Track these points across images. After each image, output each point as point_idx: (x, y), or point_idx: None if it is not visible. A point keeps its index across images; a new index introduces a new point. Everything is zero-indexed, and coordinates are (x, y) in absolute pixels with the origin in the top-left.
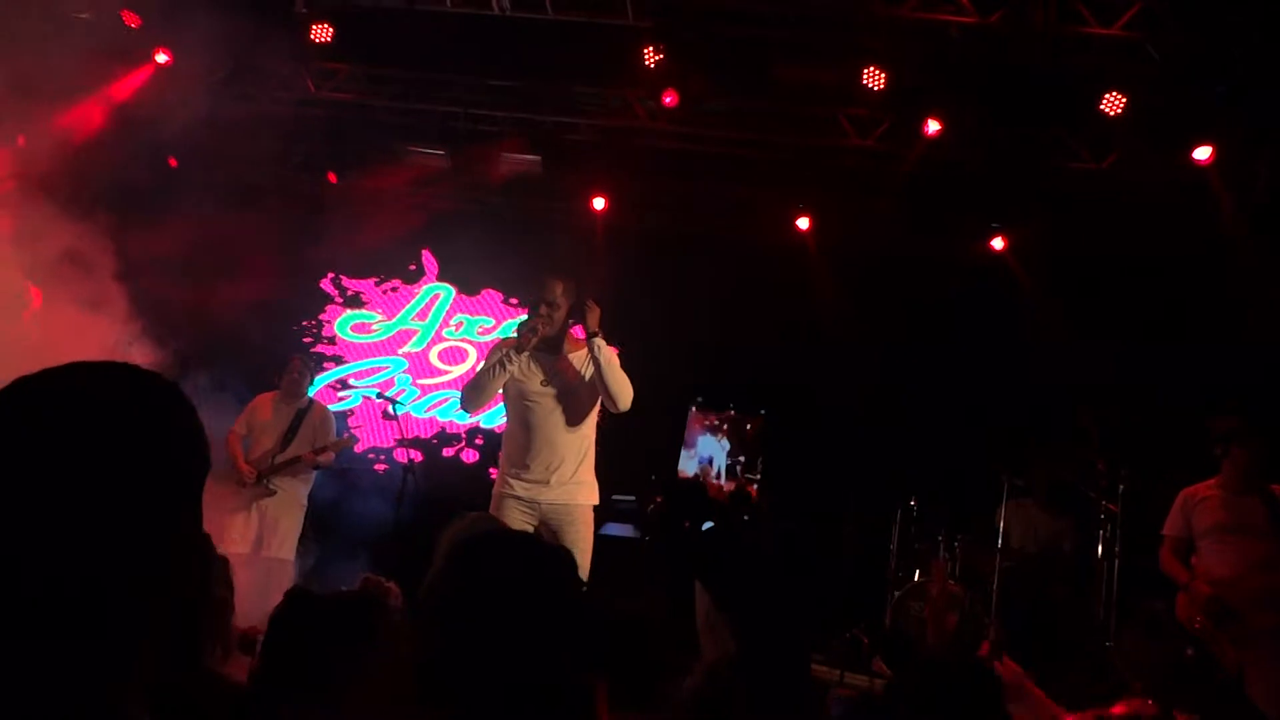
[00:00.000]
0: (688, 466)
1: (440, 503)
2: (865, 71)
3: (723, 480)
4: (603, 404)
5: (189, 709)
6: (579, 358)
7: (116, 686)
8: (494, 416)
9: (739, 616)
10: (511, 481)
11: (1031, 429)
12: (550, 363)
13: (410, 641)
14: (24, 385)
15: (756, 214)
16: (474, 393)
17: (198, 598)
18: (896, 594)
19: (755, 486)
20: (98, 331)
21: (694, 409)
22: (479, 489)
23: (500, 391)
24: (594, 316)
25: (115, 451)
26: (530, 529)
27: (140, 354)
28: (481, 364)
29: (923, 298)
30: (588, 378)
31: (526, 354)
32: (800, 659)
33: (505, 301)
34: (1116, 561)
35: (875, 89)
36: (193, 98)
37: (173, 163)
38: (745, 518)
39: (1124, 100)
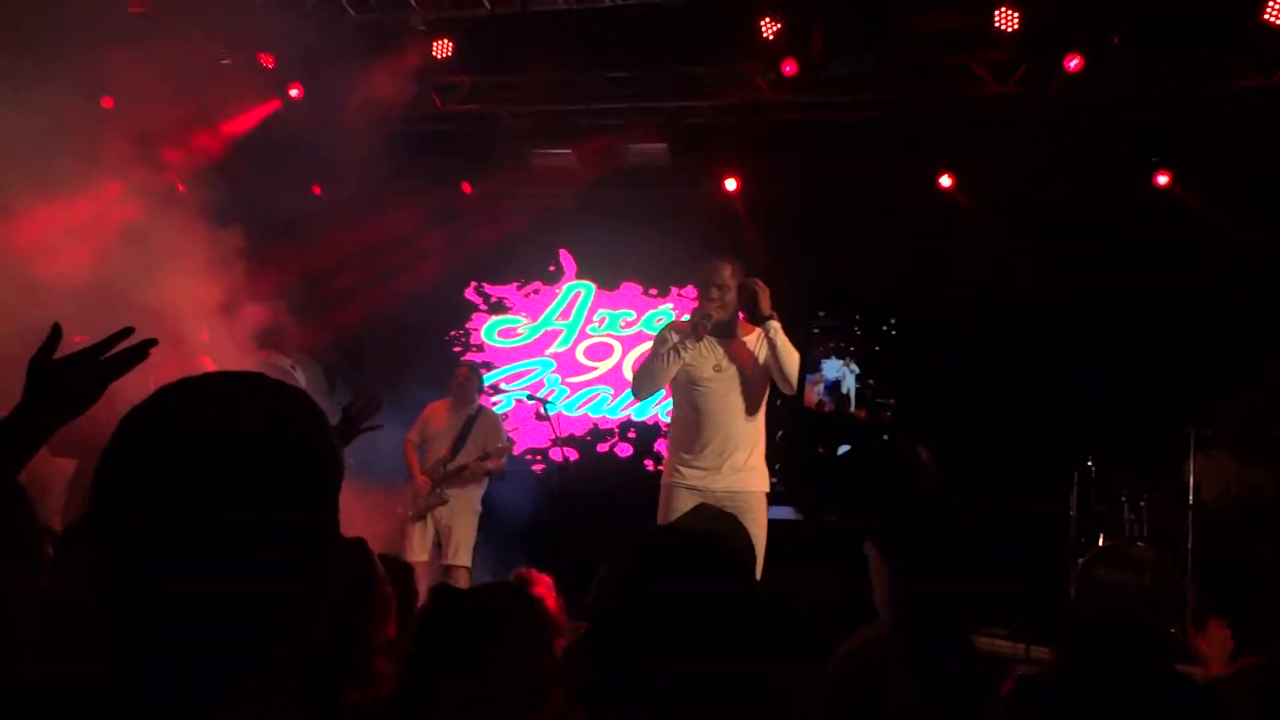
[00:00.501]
0: (813, 392)
1: (598, 497)
2: (997, 13)
3: (852, 404)
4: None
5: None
6: (751, 340)
7: (248, 691)
8: (645, 409)
9: (895, 561)
10: (682, 470)
11: (1218, 374)
12: (722, 347)
13: (560, 633)
14: (167, 393)
15: (895, 177)
16: (647, 380)
17: (332, 606)
18: (1080, 560)
19: (888, 413)
20: (259, 357)
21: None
22: (635, 483)
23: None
24: (765, 297)
25: (253, 457)
26: None
27: (302, 375)
28: (651, 350)
29: (1084, 243)
30: (761, 360)
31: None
32: (964, 626)
33: (645, 293)
34: None
35: (1009, 30)
36: (327, 126)
37: (316, 190)
38: (883, 438)
39: None
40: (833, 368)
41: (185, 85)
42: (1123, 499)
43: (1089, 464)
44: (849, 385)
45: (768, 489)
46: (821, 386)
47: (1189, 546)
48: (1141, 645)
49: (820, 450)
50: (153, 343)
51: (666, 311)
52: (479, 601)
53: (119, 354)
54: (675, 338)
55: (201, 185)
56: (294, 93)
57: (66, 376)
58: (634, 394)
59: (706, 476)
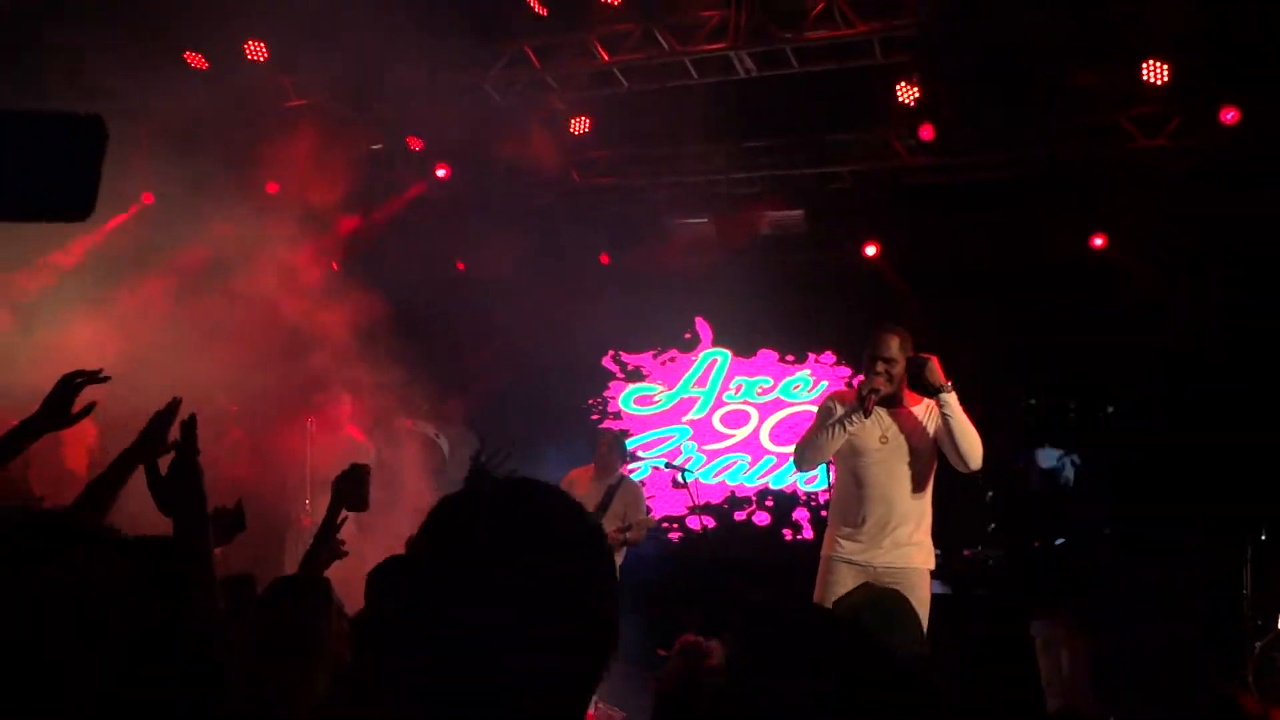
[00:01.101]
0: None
1: (735, 565)
2: (1144, 66)
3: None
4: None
5: None
6: (920, 410)
7: None
8: (782, 477)
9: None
10: (843, 543)
11: None
12: (889, 417)
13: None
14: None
15: (1040, 237)
16: (811, 452)
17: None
18: (1258, 645)
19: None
20: (405, 425)
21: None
22: (773, 551)
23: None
24: (937, 367)
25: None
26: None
27: (446, 443)
28: (816, 422)
29: (1252, 295)
30: (931, 432)
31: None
32: None
33: (782, 359)
34: None
35: (1158, 83)
36: (472, 203)
37: (460, 266)
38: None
39: None
40: (1048, 456)
41: (341, 170)
42: None
43: (1263, 535)
44: (1068, 476)
45: (933, 566)
46: (1037, 475)
47: None
48: None
49: (1036, 543)
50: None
51: (804, 378)
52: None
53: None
54: (840, 409)
55: (355, 263)
56: (440, 173)
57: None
58: (796, 465)
59: (867, 551)
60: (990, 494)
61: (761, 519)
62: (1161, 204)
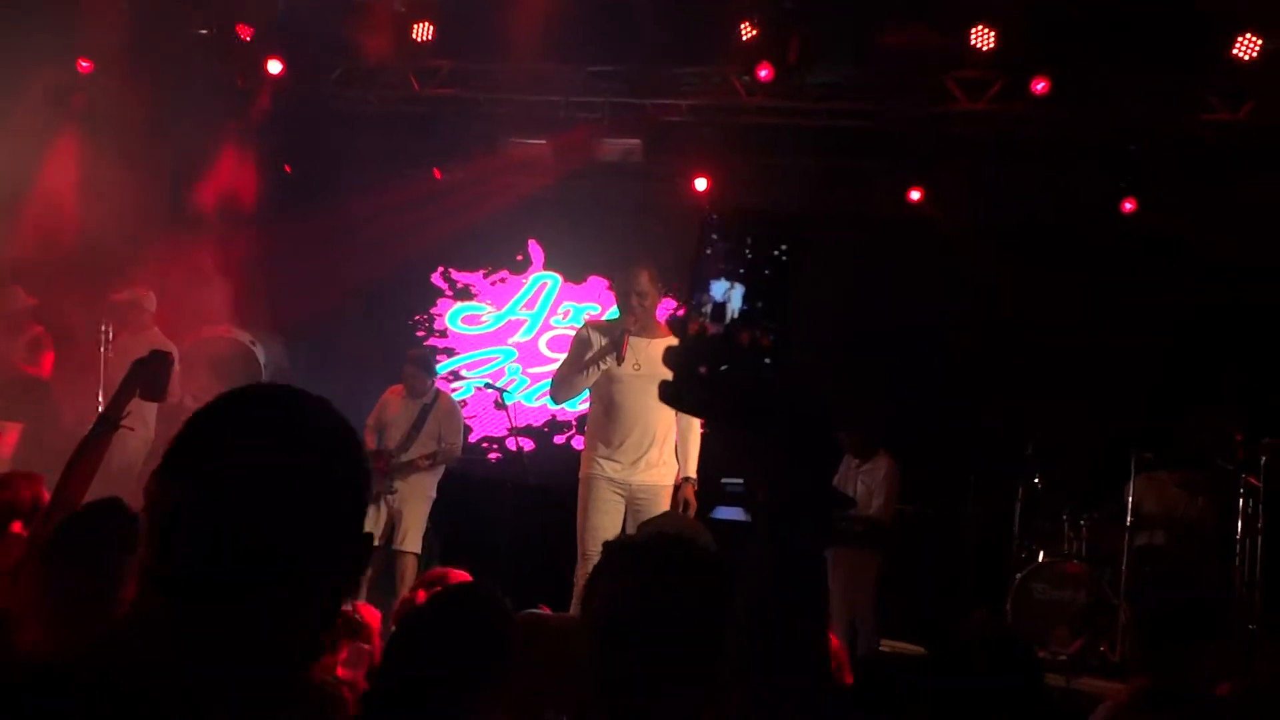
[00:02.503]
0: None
1: (553, 490)
2: (973, 31)
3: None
4: None
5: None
6: (669, 342)
7: (267, 654)
8: None
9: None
10: (601, 463)
11: (1164, 398)
12: (641, 346)
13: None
14: (243, 394)
15: (866, 188)
16: (566, 388)
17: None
18: (1018, 576)
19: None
20: (219, 331)
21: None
22: None
23: None
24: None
25: (306, 452)
26: (619, 508)
27: (263, 352)
28: (571, 356)
29: (1047, 264)
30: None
31: (607, 331)
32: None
33: (611, 288)
34: (1259, 538)
35: (984, 49)
36: (302, 103)
37: (288, 169)
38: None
39: (1259, 43)
40: (719, 289)
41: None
42: (1064, 517)
43: (1035, 480)
44: (734, 307)
45: (673, 483)
46: (709, 308)
47: (1124, 566)
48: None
49: (703, 370)
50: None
51: None
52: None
53: None
54: (594, 338)
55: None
56: (273, 66)
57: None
58: (553, 399)
59: (623, 471)
60: None
61: (579, 443)
62: (978, 166)
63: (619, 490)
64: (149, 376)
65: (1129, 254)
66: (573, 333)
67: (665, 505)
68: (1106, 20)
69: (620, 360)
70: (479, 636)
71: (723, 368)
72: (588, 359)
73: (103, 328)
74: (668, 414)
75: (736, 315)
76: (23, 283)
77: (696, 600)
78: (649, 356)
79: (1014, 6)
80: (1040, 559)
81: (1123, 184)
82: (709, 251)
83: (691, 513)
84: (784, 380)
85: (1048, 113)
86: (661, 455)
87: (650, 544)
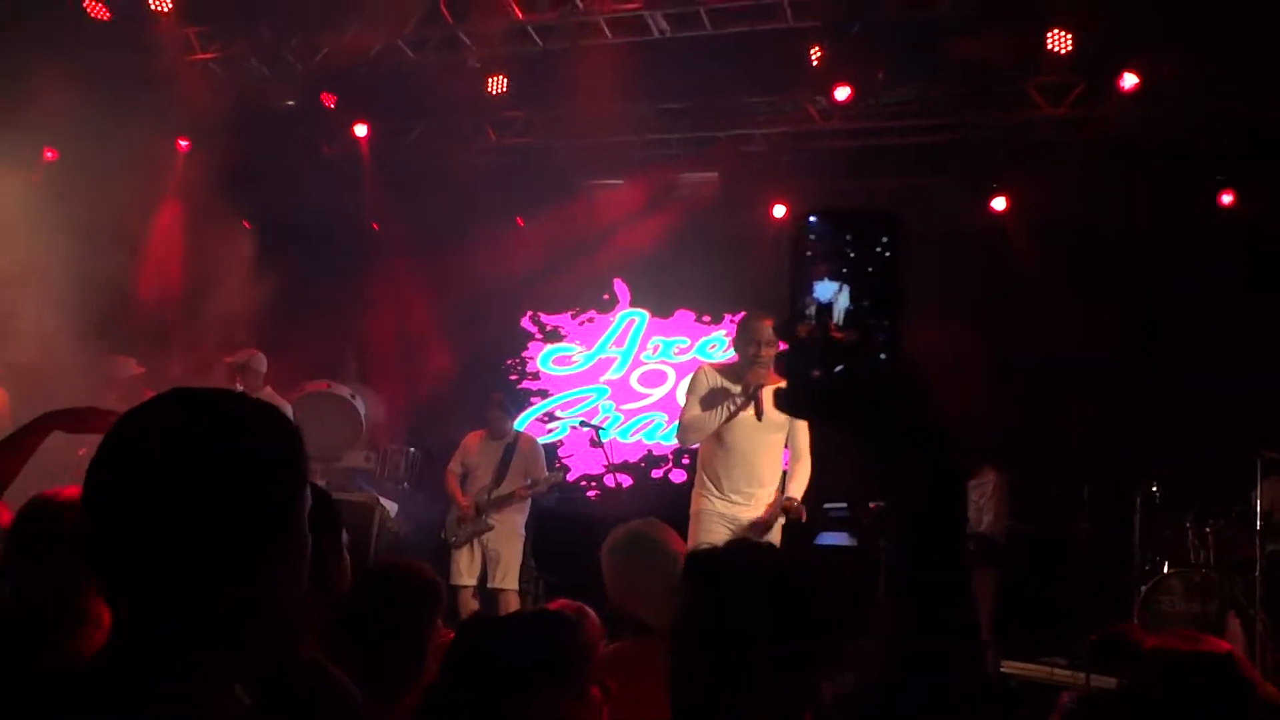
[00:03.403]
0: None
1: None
2: (1049, 35)
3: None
4: None
5: (293, 695)
6: (768, 393)
7: (216, 658)
8: None
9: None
10: (714, 500)
11: None
12: (762, 394)
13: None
14: (179, 396)
15: (947, 202)
16: (697, 434)
17: (300, 594)
18: (1143, 588)
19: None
20: (321, 387)
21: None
22: (687, 507)
23: None
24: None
25: (235, 456)
26: (727, 536)
27: (363, 404)
28: (691, 399)
29: (1141, 268)
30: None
31: (730, 378)
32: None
33: (698, 320)
34: None
35: (1062, 53)
36: (386, 163)
37: (375, 226)
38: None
39: None
40: (824, 290)
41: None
42: (1188, 524)
43: (1154, 488)
44: (841, 307)
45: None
46: (813, 310)
47: (1257, 574)
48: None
49: (816, 374)
50: None
51: (719, 338)
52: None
53: None
54: (710, 382)
55: (269, 222)
56: (360, 130)
57: None
58: (680, 440)
59: (734, 508)
60: None
61: (678, 476)
62: (1061, 172)
63: (728, 525)
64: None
65: (1232, 248)
66: (663, 367)
67: (775, 539)
68: (1184, 15)
69: (760, 415)
70: (539, 640)
71: (837, 369)
72: (724, 405)
73: (237, 387)
74: (778, 459)
75: (844, 315)
76: (130, 352)
77: (772, 607)
78: (766, 403)
79: (1090, 8)
80: (1165, 570)
81: (1219, 177)
82: (809, 253)
83: (802, 517)
84: (899, 377)
85: (1133, 112)
86: (771, 497)
87: (731, 552)
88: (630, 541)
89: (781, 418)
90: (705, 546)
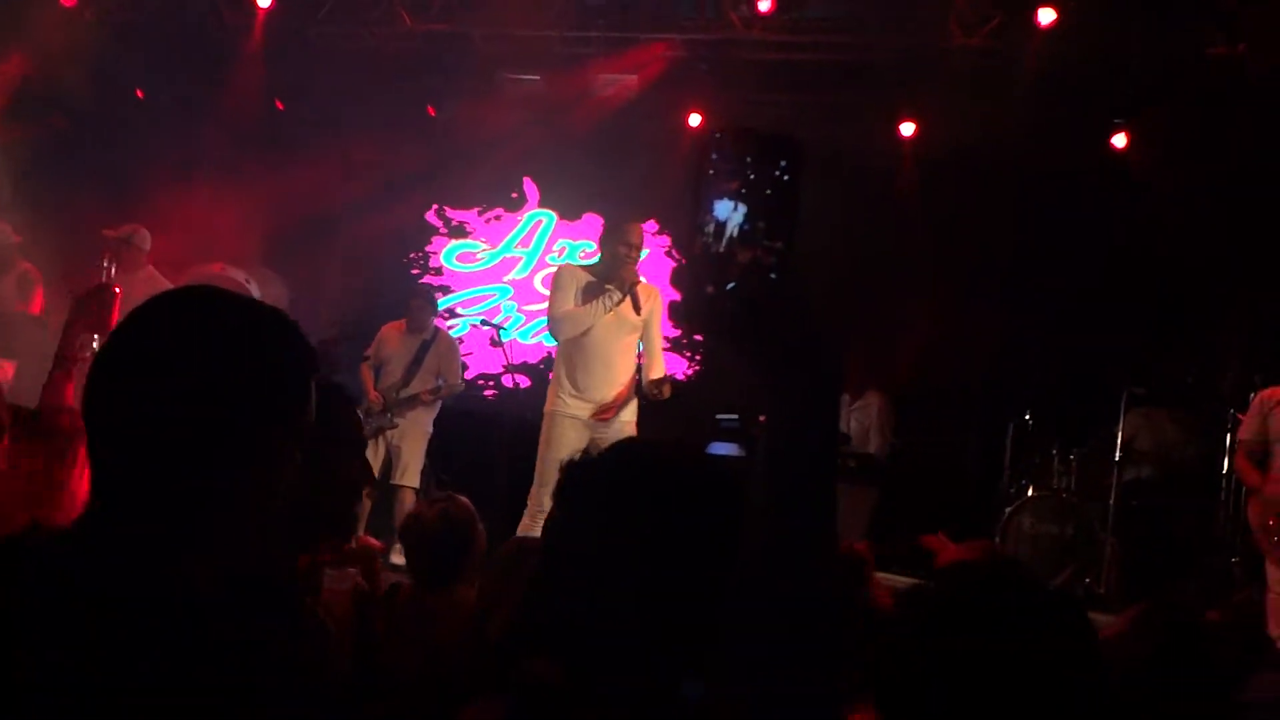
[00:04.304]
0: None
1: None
2: None
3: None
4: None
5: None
6: (643, 291)
7: (198, 554)
8: None
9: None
10: (567, 400)
11: (1158, 332)
12: (634, 288)
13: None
14: (167, 297)
15: (857, 123)
16: (570, 325)
17: (286, 493)
18: (1007, 510)
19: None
20: (214, 270)
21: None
22: None
23: None
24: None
25: (230, 352)
26: (582, 444)
27: (257, 289)
28: (558, 295)
29: (1033, 203)
30: (644, 313)
31: (600, 276)
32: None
33: (606, 225)
34: None
35: None
36: (292, 39)
37: (279, 105)
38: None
39: None
40: (723, 208)
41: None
42: (1054, 451)
43: (1026, 416)
44: (736, 225)
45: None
46: (712, 228)
47: (1111, 501)
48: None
49: (710, 289)
50: None
51: None
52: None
53: None
54: (576, 280)
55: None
56: (264, 2)
57: None
58: (553, 336)
59: (590, 407)
60: None
61: None
62: (967, 103)
63: (583, 426)
64: (92, 311)
65: (1121, 189)
66: None
67: (630, 431)
68: None
69: (638, 310)
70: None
71: (728, 286)
72: (597, 303)
73: (105, 263)
74: (633, 359)
75: (738, 234)
76: (7, 219)
77: (659, 526)
78: (624, 305)
79: None
80: (1030, 493)
81: (1116, 120)
82: (711, 172)
83: (664, 394)
84: (787, 297)
85: (1043, 47)
86: (627, 399)
87: (612, 460)
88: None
89: (638, 319)
90: (567, 455)
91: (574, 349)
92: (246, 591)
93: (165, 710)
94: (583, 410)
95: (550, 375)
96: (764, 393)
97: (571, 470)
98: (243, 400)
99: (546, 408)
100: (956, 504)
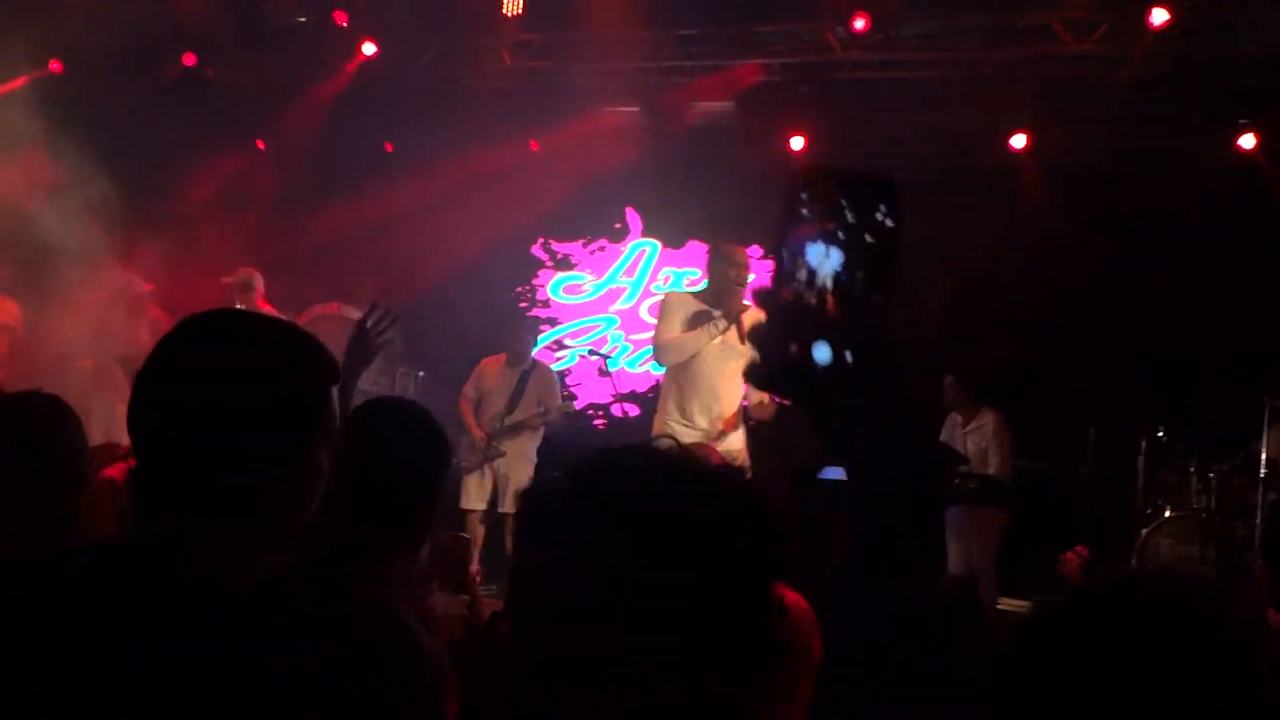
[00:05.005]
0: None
1: None
2: None
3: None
4: None
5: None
6: (746, 318)
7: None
8: None
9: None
10: (675, 427)
11: None
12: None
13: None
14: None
15: (964, 137)
16: (678, 354)
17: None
18: (1144, 531)
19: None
20: (330, 310)
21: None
22: None
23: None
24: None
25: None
26: None
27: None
28: (666, 322)
29: (1160, 207)
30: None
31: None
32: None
33: (711, 250)
34: None
35: None
36: (400, 84)
37: (389, 148)
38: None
39: None
40: (815, 254)
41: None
42: (1191, 470)
43: (1159, 433)
44: (829, 274)
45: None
46: (803, 274)
47: (1258, 520)
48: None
49: (795, 348)
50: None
51: None
52: None
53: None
54: (684, 309)
55: (279, 142)
56: (368, 49)
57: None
58: (658, 359)
59: (698, 435)
60: None
61: None
62: (1082, 110)
63: None
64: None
65: (1249, 193)
66: None
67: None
68: None
69: (744, 340)
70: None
71: (819, 344)
72: (706, 329)
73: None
74: (739, 387)
75: (833, 284)
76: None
77: (625, 560)
78: (730, 333)
79: None
80: (1167, 514)
81: (1242, 120)
82: (803, 212)
83: (767, 417)
84: (886, 361)
85: (1160, 49)
86: (735, 427)
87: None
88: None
89: (745, 347)
90: None
91: (680, 376)
92: (291, 590)
93: (205, 699)
94: (690, 437)
95: (657, 403)
96: (849, 466)
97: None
98: (271, 408)
99: (653, 433)
100: (1083, 527)
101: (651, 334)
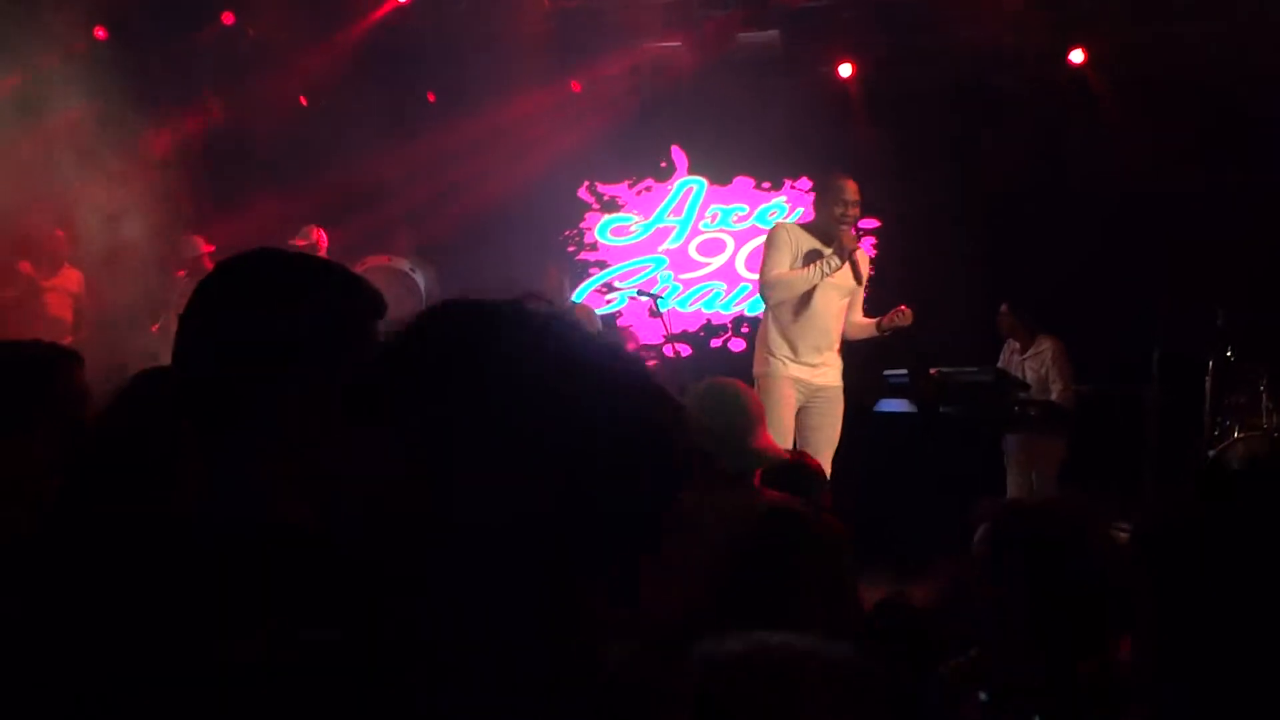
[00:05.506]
0: None
1: None
2: None
3: None
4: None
5: None
6: (860, 256)
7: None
8: (758, 304)
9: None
10: (786, 362)
11: None
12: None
13: None
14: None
15: (1026, 55)
16: (787, 291)
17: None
18: (1211, 453)
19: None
20: (381, 261)
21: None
22: (747, 377)
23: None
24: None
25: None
26: (796, 406)
27: (422, 277)
28: (775, 257)
29: (1217, 122)
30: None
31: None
32: None
33: (758, 187)
34: None
35: None
36: (437, 28)
37: (430, 97)
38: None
39: None
40: None
41: None
42: (1261, 389)
43: (1228, 352)
44: None
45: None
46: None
47: None
48: None
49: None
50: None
51: (780, 204)
52: None
53: None
54: (794, 241)
55: (318, 94)
56: None
57: None
58: (766, 298)
59: (808, 370)
60: None
61: (737, 345)
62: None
63: (801, 389)
64: None
65: None
66: (722, 235)
67: (840, 406)
68: None
69: (859, 278)
70: None
71: None
72: (816, 268)
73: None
74: (841, 323)
75: None
76: (199, 231)
77: None
78: (843, 271)
79: None
80: (1236, 435)
81: None
82: None
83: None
84: None
85: None
86: (838, 359)
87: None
88: (711, 390)
89: (853, 283)
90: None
91: (789, 312)
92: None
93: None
94: (800, 373)
95: (759, 337)
96: None
97: None
98: (308, 332)
99: (758, 369)
100: (1149, 449)
101: (702, 273)
